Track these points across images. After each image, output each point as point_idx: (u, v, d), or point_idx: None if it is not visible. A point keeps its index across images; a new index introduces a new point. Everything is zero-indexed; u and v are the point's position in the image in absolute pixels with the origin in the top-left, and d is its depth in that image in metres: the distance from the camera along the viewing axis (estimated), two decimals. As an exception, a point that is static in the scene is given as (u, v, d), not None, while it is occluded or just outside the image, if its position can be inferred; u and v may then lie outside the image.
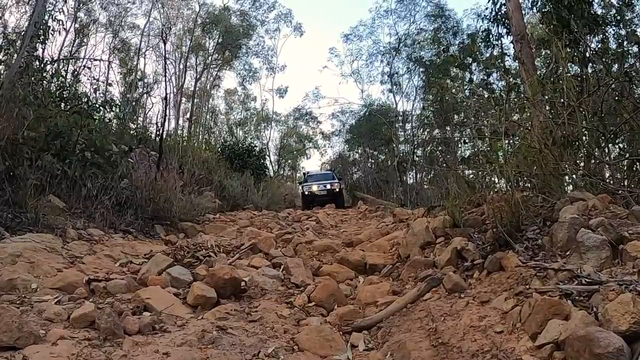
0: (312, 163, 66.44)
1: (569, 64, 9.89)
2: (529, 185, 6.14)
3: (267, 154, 35.55)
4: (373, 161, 36.61)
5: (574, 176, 6.09)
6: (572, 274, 3.55)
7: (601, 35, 11.86)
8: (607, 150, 6.86)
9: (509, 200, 4.99)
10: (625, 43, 12.14)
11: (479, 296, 4.09)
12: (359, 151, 37.81)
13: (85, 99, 9.86)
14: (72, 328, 3.59)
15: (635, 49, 11.62)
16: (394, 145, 29.86)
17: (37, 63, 10.20)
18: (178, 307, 4.43)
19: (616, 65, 9.69)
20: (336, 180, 23.49)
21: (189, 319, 4.19)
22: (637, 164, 6.50)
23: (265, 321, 4.23)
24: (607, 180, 6.11)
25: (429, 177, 28.58)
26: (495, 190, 5.98)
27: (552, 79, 8.04)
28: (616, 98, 7.03)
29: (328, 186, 22.62)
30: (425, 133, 31.72)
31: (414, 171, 29.74)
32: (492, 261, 4.47)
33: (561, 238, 4.18)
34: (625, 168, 6.82)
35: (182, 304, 4.54)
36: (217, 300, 4.63)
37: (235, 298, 4.84)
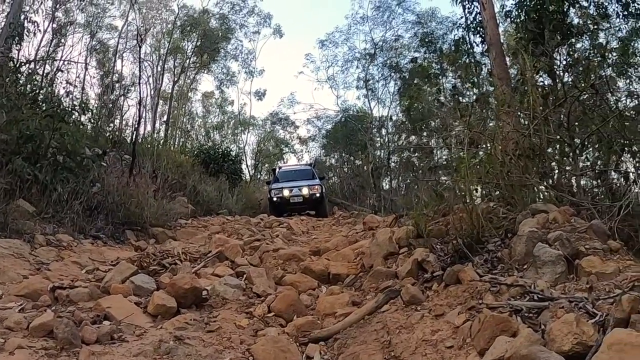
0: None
1: (542, 75, 10.09)
2: (497, 195, 6.22)
3: (244, 158, 35.40)
4: (349, 167, 36.71)
5: (541, 187, 6.17)
6: (525, 289, 3.59)
7: (570, 47, 12.14)
8: (573, 162, 6.97)
9: (470, 211, 5.03)
10: (592, 54, 12.46)
11: (435, 309, 4.11)
12: (335, 156, 37.85)
13: (57, 103, 9.82)
14: (31, 337, 3.63)
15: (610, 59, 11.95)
16: (370, 151, 29.96)
17: (12, 64, 10.18)
18: (138, 316, 4.47)
19: (586, 76, 9.86)
20: (317, 181, 18.31)
21: (148, 328, 4.24)
22: (603, 175, 6.60)
23: (223, 331, 4.29)
24: (574, 192, 6.18)
25: (405, 183, 28.75)
26: (463, 200, 6.10)
27: (521, 90, 8.20)
28: (584, 110, 7.12)
29: (305, 190, 17.45)
30: (402, 139, 31.96)
31: (389, 177, 29.86)
32: (450, 274, 4.45)
33: (519, 252, 4.22)
34: (592, 180, 6.91)
35: (142, 313, 4.57)
36: (178, 310, 4.67)
37: (196, 307, 4.88)
